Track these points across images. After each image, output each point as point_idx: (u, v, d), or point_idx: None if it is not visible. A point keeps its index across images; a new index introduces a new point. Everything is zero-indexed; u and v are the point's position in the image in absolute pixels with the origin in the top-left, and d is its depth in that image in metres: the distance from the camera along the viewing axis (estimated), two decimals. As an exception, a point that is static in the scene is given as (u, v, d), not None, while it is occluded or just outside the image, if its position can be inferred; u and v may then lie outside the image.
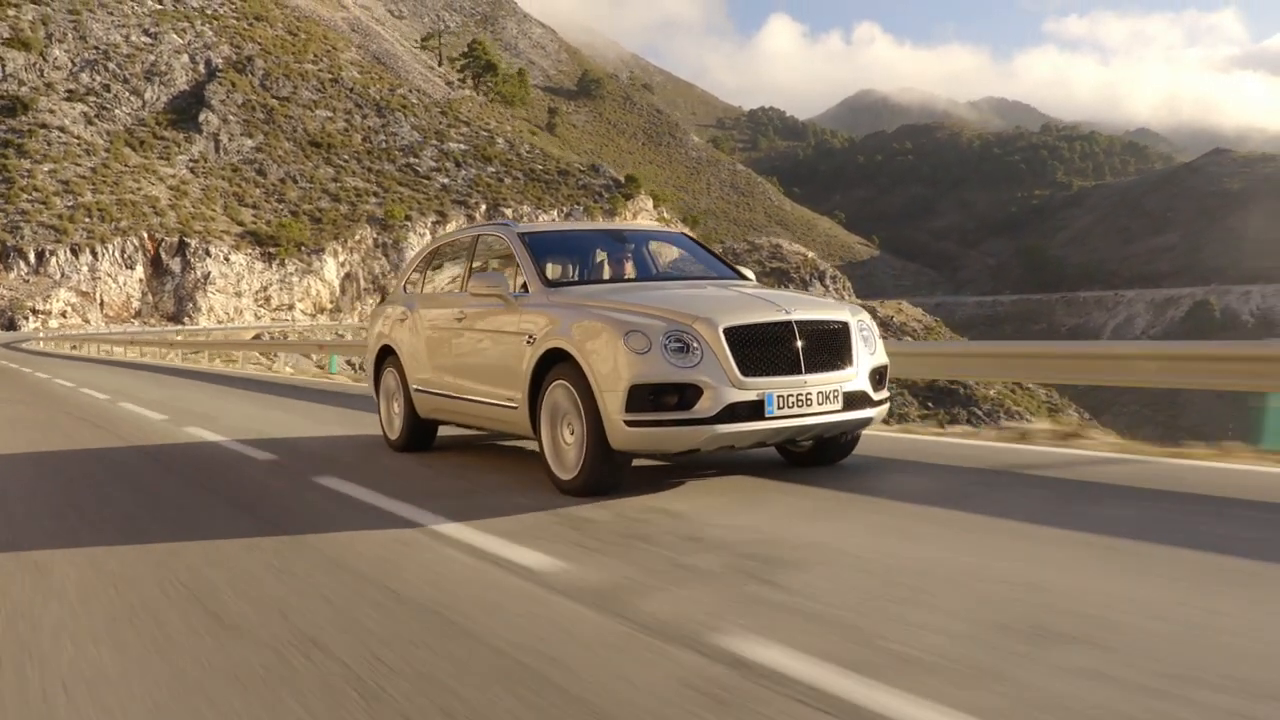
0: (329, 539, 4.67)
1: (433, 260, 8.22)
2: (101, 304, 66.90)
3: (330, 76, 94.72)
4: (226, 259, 71.01)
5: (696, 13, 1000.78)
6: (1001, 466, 6.28)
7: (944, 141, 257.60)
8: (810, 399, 5.54)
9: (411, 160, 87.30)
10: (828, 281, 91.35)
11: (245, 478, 6.75)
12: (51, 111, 79.06)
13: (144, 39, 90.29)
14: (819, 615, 3.18)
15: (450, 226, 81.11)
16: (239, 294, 70.39)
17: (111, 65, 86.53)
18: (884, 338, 6.39)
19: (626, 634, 3.12)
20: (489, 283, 6.58)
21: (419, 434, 7.87)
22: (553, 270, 7.04)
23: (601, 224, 8.35)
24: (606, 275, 7.25)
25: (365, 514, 5.23)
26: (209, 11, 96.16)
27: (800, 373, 5.50)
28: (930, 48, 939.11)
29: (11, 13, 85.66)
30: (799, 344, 5.54)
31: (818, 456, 6.52)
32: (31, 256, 66.50)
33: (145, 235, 70.32)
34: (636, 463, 5.96)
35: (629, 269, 7.33)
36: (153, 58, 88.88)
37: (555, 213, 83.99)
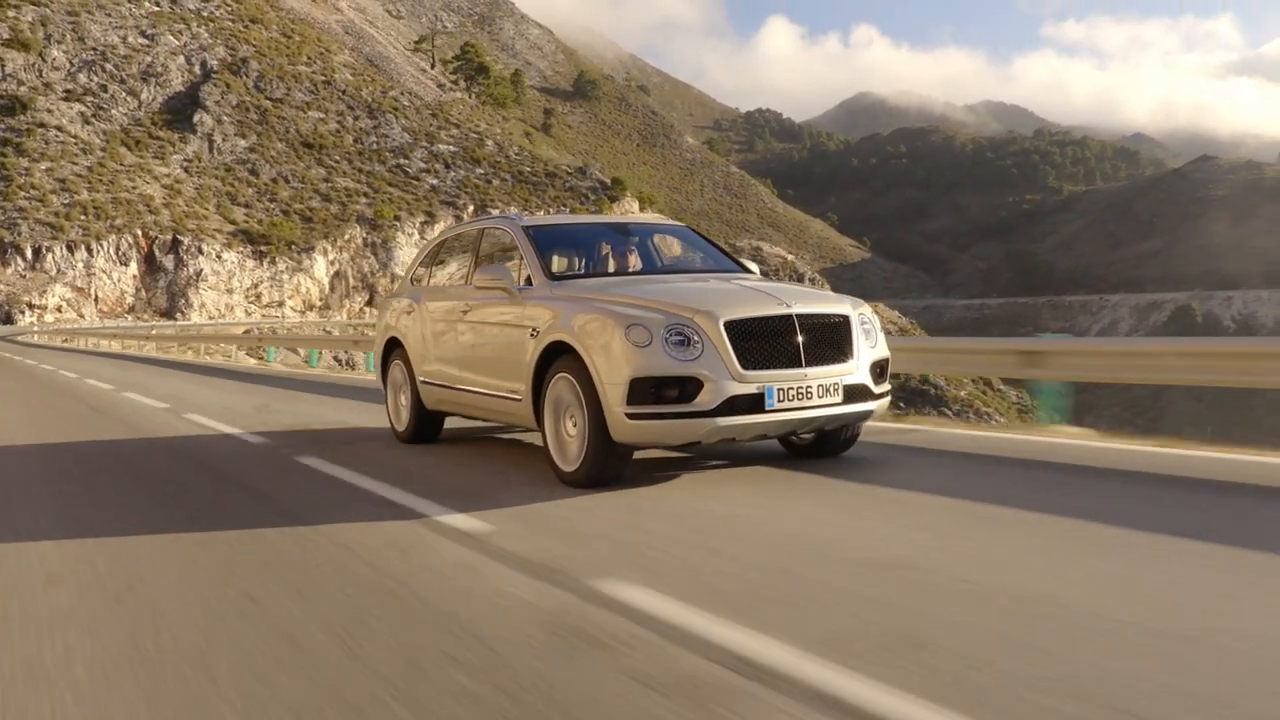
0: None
1: (439, 253, 8.35)
2: (96, 299, 68.79)
3: (323, 79, 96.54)
4: (219, 257, 72.85)
5: (695, 14, 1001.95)
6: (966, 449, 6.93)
7: (938, 145, 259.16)
8: (810, 392, 5.61)
9: (401, 161, 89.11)
10: (806, 284, 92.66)
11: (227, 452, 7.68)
12: (49, 111, 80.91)
13: (141, 40, 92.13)
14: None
15: (438, 227, 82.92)
16: (230, 291, 72.24)
17: (109, 66, 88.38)
18: None
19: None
20: (493, 275, 6.68)
21: (426, 425, 7.96)
22: (557, 263, 7.12)
23: (606, 217, 8.33)
24: (611, 268, 7.28)
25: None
26: (205, 14, 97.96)
27: (800, 366, 5.59)
28: (928, 51, 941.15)
29: (11, 14, 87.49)
30: (799, 337, 5.62)
31: (820, 449, 6.61)
32: (28, 252, 68.36)
33: (140, 233, 72.17)
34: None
35: (633, 262, 7.37)
36: (149, 59, 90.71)
37: (541, 213, 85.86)
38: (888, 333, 7.18)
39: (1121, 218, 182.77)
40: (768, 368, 5.48)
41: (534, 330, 6.16)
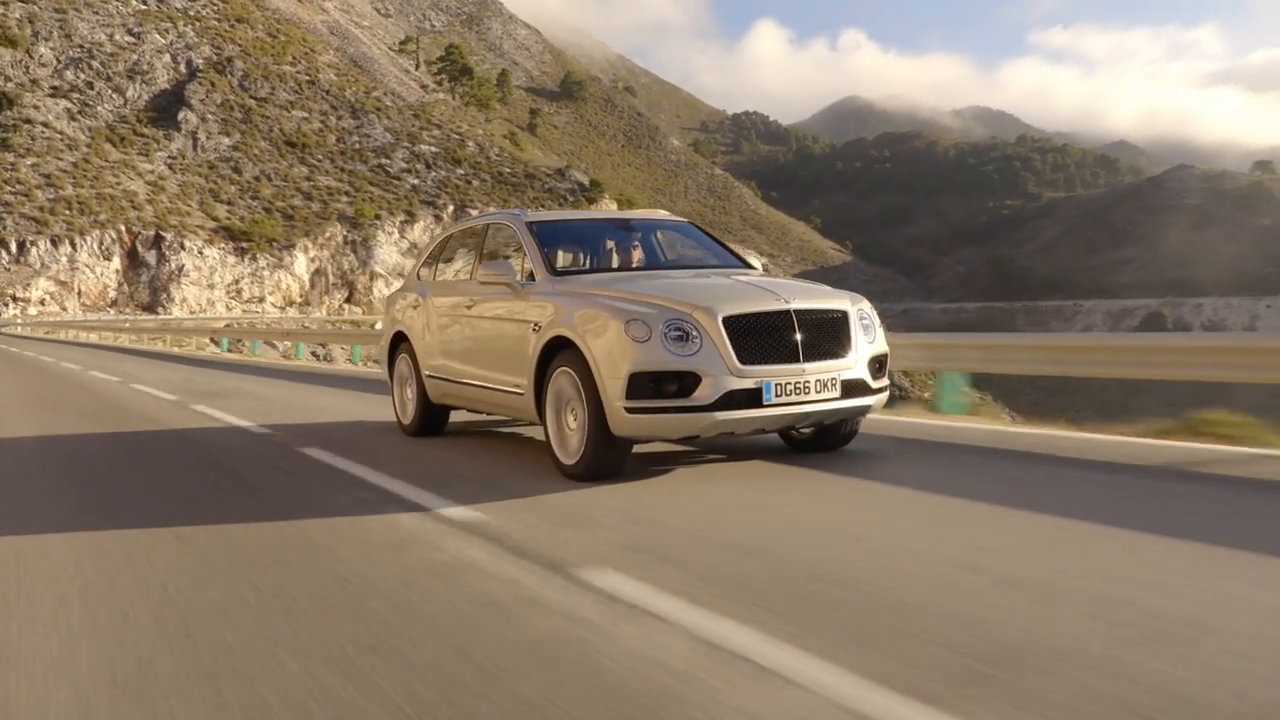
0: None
1: (445, 248, 8.44)
2: (79, 293, 70.28)
3: (307, 78, 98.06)
4: (200, 253, 74.36)
5: (684, 16, 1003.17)
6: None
7: (921, 150, 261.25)
8: (808, 387, 5.67)
9: (383, 161, 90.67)
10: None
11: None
12: (36, 107, 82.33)
13: (128, 39, 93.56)
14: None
15: (418, 226, 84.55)
16: (211, 286, 73.77)
17: (95, 63, 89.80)
18: None
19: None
20: (497, 271, 6.75)
21: (431, 419, 8.10)
22: (562, 258, 7.17)
23: (609, 213, 8.52)
24: (615, 264, 7.34)
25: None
26: (191, 13, 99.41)
27: (798, 361, 5.65)
28: (915, 56, 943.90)
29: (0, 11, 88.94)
30: (797, 332, 5.68)
31: (820, 443, 6.69)
32: (13, 246, 69.83)
33: (123, 228, 73.64)
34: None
35: (636, 257, 7.43)
36: (135, 57, 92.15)
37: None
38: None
39: (1098, 225, 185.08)
40: (766, 363, 5.57)
41: (536, 325, 6.26)
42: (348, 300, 78.59)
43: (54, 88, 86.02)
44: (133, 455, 7.44)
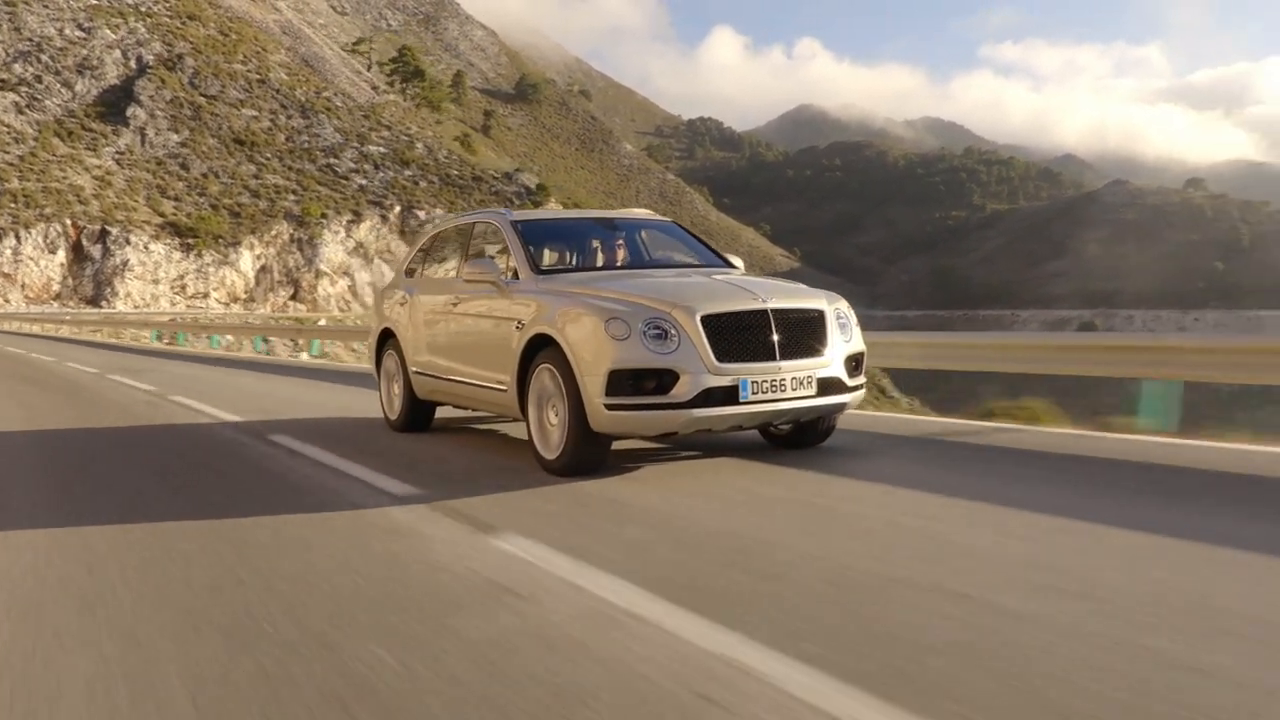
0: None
1: (432, 246, 8.57)
2: (23, 286, 71.06)
3: (258, 77, 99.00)
4: (146, 248, 75.32)
5: (642, 20, 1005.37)
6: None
7: (871, 160, 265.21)
8: (784, 384, 5.76)
9: (331, 161, 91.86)
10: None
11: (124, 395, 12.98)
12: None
13: (78, 33, 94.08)
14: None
15: (364, 226, 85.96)
16: (156, 281, 74.75)
17: (44, 57, 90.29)
18: None
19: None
20: (481, 269, 6.88)
21: (418, 415, 8.23)
22: (547, 257, 7.35)
23: (594, 212, 8.58)
24: (599, 263, 7.48)
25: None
26: (143, 9, 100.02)
27: (774, 359, 5.75)
28: (870, 66, 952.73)
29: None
30: (774, 331, 5.78)
31: (797, 440, 6.82)
32: (-43, 238, 70.59)
33: (69, 222, 74.44)
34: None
35: (620, 256, 7.55)
36: (85, 52, 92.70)
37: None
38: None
39: (1038, 237, 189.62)
40: (743, 361, 5.67)
41: (519, 323, 6.38)
42: (293, 298, 79.80)
43: (2, 81, 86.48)
44: (55, 400, 11.65)
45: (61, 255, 73.47)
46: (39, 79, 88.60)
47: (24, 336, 37.14)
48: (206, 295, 76.38)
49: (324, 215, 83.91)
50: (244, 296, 78.38)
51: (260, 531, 4.60)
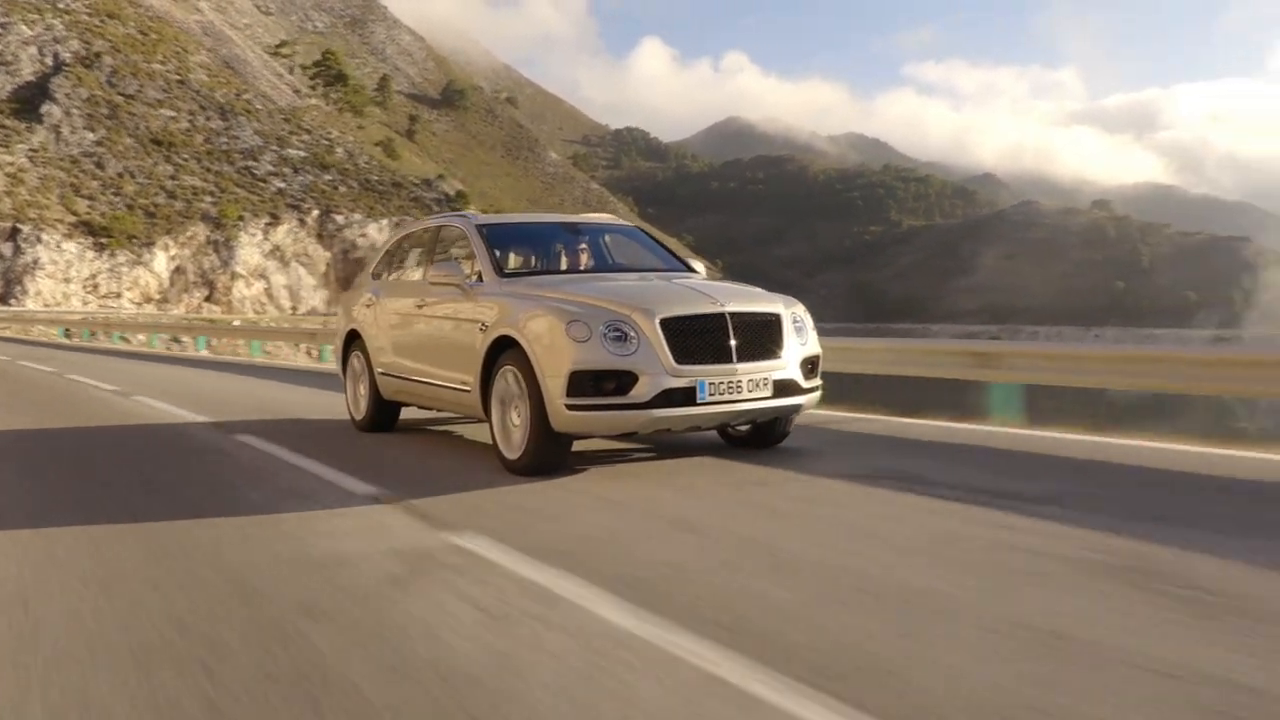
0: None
1: (399, 249, 8.74)
2: (-70, 282, 70.63)
3: (178, 78, 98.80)
4: (58, 246, 75.17)
5: (571, 30, 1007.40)
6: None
7: (794, 174, 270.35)
8: (740, 386, 5.90)
9: (250, 163, 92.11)
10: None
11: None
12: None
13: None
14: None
15: (282, 229, 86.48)
16: (68, 280, 74.62)
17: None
18: None
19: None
20: (447, 272, 6.99)
21: (383, 415, 8.37)
22: (512, 260, 7.42)
23: (558, 217, 8.61)
24: (563, 266, 7.56)
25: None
26: (61, 6, 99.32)
27: (731, 361, 5.88)
28: (796, 81, 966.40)
29: None
30: (731, 334, 5.92)
31: (756, 440, 6.99)
32: None
33: (-21, 219, 74.11)
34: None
35: (584, 260, 7.64)
36: (0, 48, 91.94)
37: (385, 222, 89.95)
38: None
39: (951, 254, 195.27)
40: (701, 363, 5.81)
41: (483, 325, 6.49)
42: (207, 299, 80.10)
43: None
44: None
45: (-30, 252, 73.13)
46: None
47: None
48: (119, 295, 76.38)
49: (241, 217, 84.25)
50: (157, 297, 78.52)
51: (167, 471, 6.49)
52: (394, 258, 8.73)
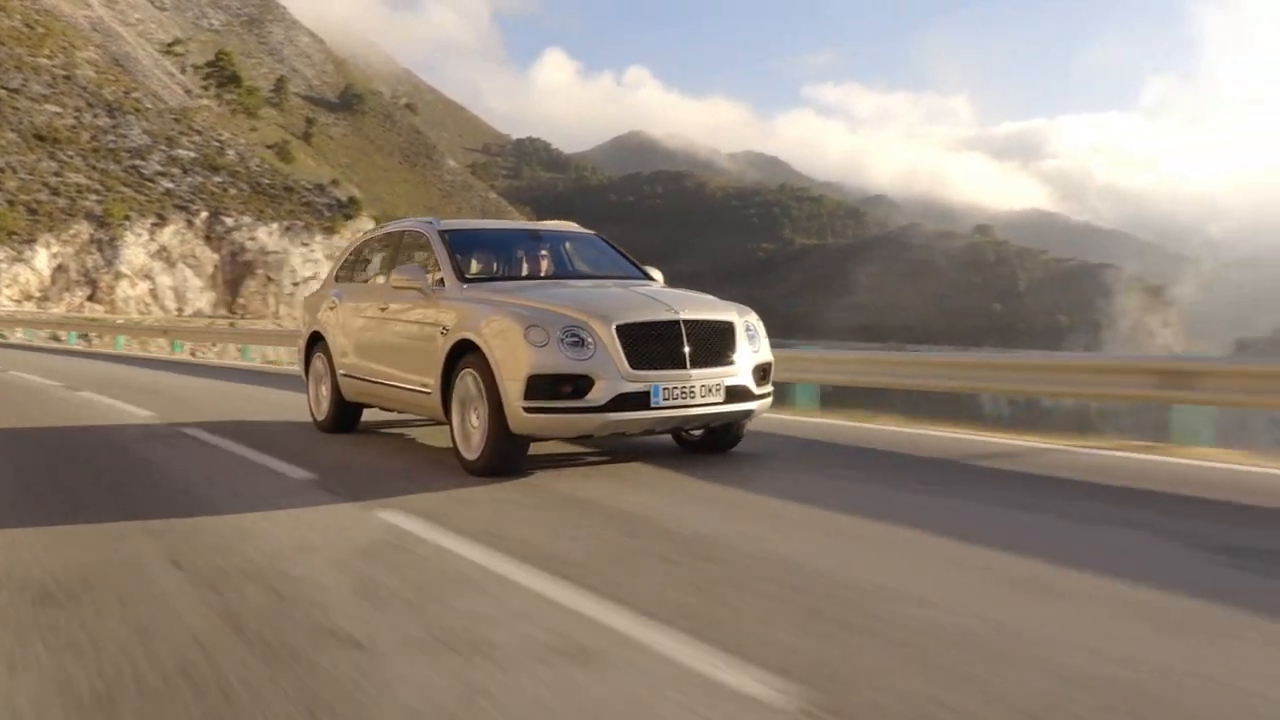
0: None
1: (362, 252, 8.89)
2: None
3: (64, 74, 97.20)
4: (-66, 241, 73.73)
5: (474, 37, 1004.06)
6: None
7: (692, 190, 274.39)
8: (694, 391, 6.05)
9: (138, 163, 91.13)
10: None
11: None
12: None
13: None
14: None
15: (169, 230, 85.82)
16: (-57, 275, 73.26)
17: None
18: None
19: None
20: (409, 276, 7.06)
21: (344, 416, 8.50)
22: (474, 266, 7.49)
23: (520, 223, 8.78)
24: (524, 272, 7.69)
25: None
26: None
27: (685, 367, 6.06)
28: (697, 98, 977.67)
29: None
30: (685, 341, 6.10)
31: (709, 444, 7.15)
32: None
33: None
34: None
35: (545, 266, 7.78)
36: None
37: (275, 226, 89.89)
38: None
39: (840, 273, 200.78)
40: (655, 368, 5.98)
41: (444, 329, 6.62)
42: (89, 298, 79.19)
43: None
44: None
45: None
46: None
47: None
48: (-3, 291, 75.15)
49: (127, 217, 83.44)
50: (38, 295, 77.39)
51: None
52: (358, 261, 8.92)
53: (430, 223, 7.81)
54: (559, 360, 5.84)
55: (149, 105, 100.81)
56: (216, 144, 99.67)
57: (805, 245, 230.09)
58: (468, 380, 6.33)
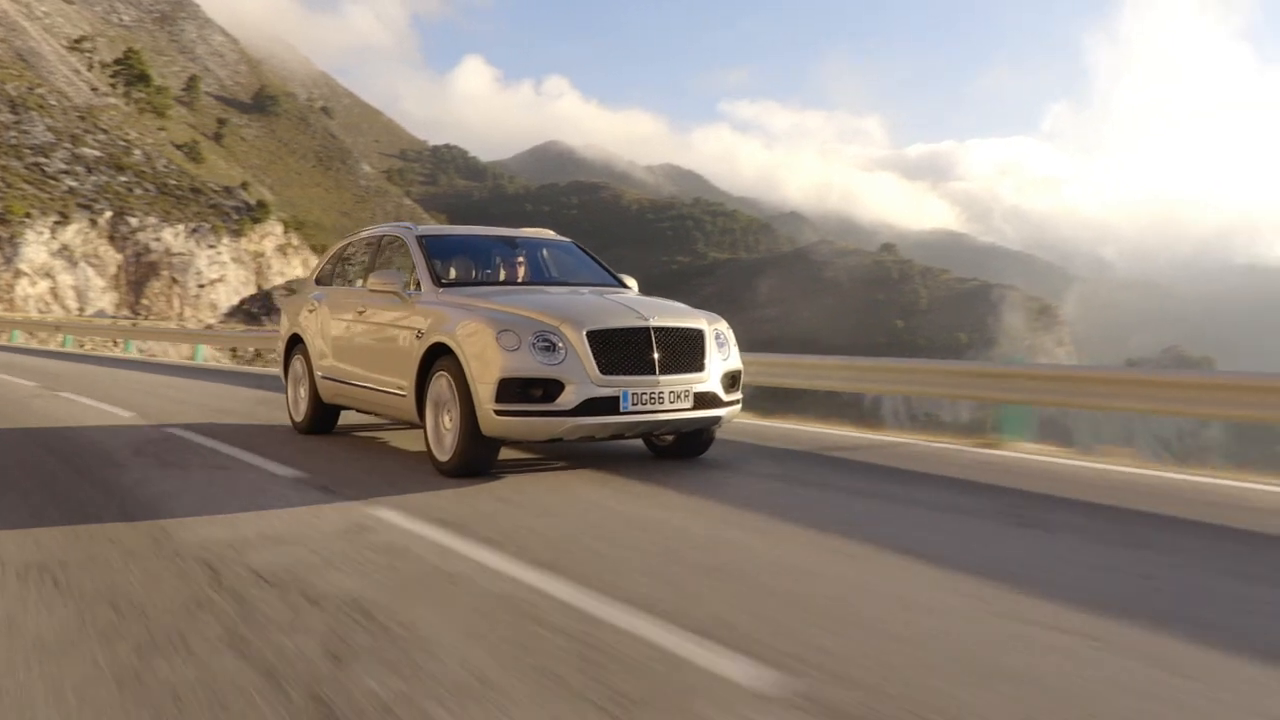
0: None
1: (342, 255, 8.90)
2: None
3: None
4: None
5: (393, 42, 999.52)
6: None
7: (608, 201, 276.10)
8: (662, 397, 6.16)
9: (41, 160, 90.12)
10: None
11: None
12: None
13: None
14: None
15: (71, 229, 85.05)
16: None
17: None
18: None
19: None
20: (386, 280, 7.12)
21: (322, 418, 8.57)
22: (452, 271, 7.57)
23: (497, 230, 8.70)
24: (501, 278, 7.82)
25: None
26: None
27: (654, 373, 6.16)
28: (616, 110, 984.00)
29: None
30: (655, 348, 6.19)
31: (680, 450, 7.20)
32: None
33: None
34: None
35: (521, 273, 7.88)
36: None
37: (181, 227, 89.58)
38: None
39: (749, 287, 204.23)
40: (625, 374, 6.07)
41: (419, 332, 6.67)
42: (-13, 296, 78.21)
43: None
44: None
45: None
46: None
47: None
48: (-110, 287, 73.91)
49: (28, 215, 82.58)
50: (-68, 292, 76.26)
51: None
52: (337, 264, 8.95)
53: (408, 227, 7.95)
54: (530, 364, 5.97)
55: (54, 102, 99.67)
56: (123, 143, 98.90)
57: (717, 259, 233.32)
58: (441, 383, 6.44)
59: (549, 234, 8.79)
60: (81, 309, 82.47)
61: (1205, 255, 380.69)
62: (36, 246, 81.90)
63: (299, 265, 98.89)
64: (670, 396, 6.22)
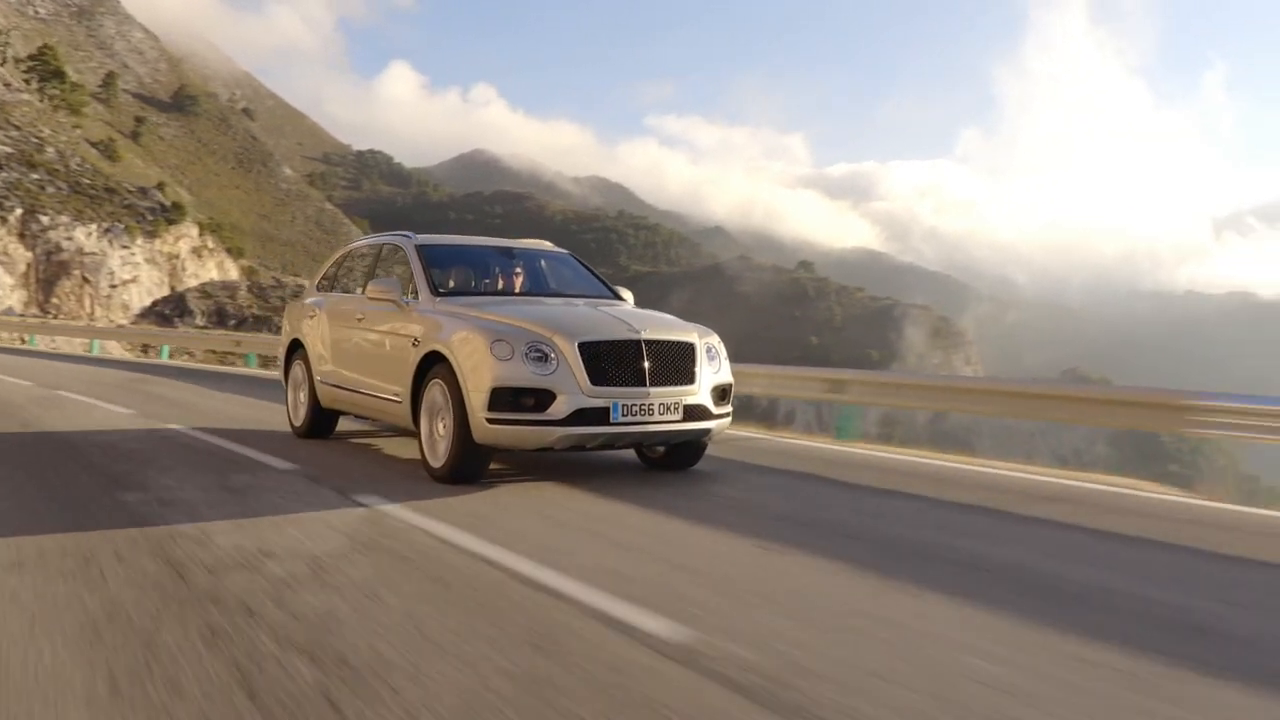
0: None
1: (343, 263, 9.05)
2: None
3: None
4: None
5: (318, 44, 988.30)
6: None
7: (532, 211, 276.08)
8: (652, 409, 6.26)
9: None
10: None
11: None
12: None
13: None
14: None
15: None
16: None
17: None
18: None
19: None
20: (384, 288, 7.23)
21: (321, 422, 8.66)
22: (450, 280, 7.64)
23: (495, 240, 8.81)
24: (498, 287, 7.90)
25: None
26: None
27: (644, 385, 6.27)
28: (543, 120, 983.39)
29: None
30: (645, 360, 6.30)
31: (671, 461, 7.33)
32: None
33: None
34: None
35: (518, 283, 7.95)
36: None
37: (94, 227, 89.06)
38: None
39: (668, 302, 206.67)
40: (615, 385, 6.17)
41: (415, 340, 6.76)
42: (-109, 293, 77.17)
43: None
44: None
45: None
46: None
47: None
48: None
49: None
50: None
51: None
52: (339, 271, 9.08)
53: (407, 236, 8.05)
54: (522, 374, 6.06)
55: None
56: (35, 140, 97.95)
57: (638, 272, 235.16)
58: (435, 390, 6.55)
59: (547, 245, 8.93)
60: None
61: (1110, 280, 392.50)
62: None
63: (214, 268, 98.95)
64: (660, 408, 6.32)
